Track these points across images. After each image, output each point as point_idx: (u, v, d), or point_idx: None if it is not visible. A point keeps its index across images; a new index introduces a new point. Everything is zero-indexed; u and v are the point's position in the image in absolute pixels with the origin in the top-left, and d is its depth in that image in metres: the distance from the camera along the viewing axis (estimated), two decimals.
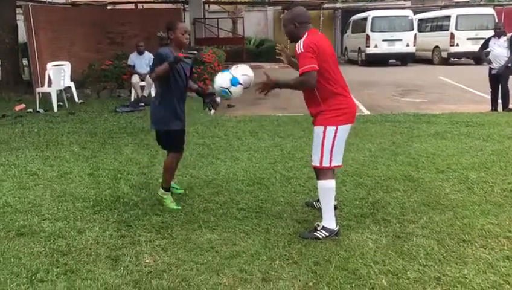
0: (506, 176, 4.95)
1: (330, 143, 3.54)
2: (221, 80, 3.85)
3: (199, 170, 5.41)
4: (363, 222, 3.88)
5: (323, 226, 3.61)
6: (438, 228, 3.75)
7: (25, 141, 7.12)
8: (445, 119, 8.03)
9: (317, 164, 3.61)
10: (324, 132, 3.54)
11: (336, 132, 3.53)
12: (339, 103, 3.56)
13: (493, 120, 7.82)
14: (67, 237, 3.71)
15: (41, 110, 9.78)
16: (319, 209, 3.87)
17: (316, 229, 3.62)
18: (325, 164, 3.58)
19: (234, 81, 3.81)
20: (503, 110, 8.88)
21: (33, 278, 3.11)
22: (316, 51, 3.42)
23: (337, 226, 3.64)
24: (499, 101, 8.98)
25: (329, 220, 3.62)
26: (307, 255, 3.34)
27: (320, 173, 3.65)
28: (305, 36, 3.52)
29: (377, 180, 4.91)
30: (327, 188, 3.62)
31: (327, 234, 3.58)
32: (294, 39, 3.60)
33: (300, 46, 3.47)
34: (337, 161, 3.61)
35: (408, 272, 3.07)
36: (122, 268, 3.21)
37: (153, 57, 4.19)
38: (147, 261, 3.31)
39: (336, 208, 3.76)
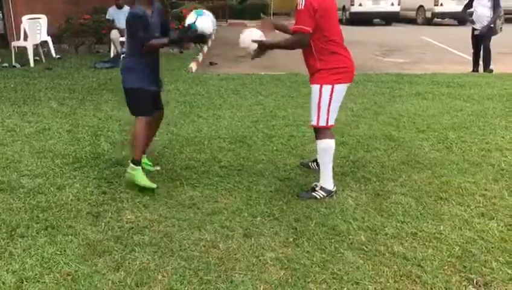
0: (484, 136, 5.03)
1: (327, 102, 3.48)
2: (188, 18, 3.72)
3: (181, 127, 5.37)
4: (344, 180, 3.93)
5: (321, 187, 3.62)
6: (417, 186, 3.82)
7: (1, 96, 6.95)
8: (427, 79, 8.06)
9: (314, 123, 3.58)
10: (320, 91, 3.47)
11: (332, 91, 3.46)
12: (337, 62, 3.48)
13: (474, 81, 7.88)
14: (47, 193, 3.68)
15: (18, 65, 9.51)
16: (315, 170, 3.88)
17: (314, 190, 3.63)
18: (322, 123, 3.54)
19: (199, 13, 3.68)
20: (484, 71, 8.93)
21: (13, 233, 3.09)
22: (317, 11, 3.29)
23: (335, 187, 3.66)
24: (480, 62, 9.03)
25: (327, 181, 3.62)
26: (288, 212, 3.39)
27: (319, 132, 3.61)
28: None
29: (358, 140, 4.95)
30: (326, 147, 3.59)
31: (325, 194, 3.59)
32: None
33: (301, 1, 3.31)
34: (333, 121, 3.58)
35: (386, 229, 3.14)
36: (103, 224, 3.21)
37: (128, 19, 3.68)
38: (128, 217, 3.32)
39: (318, 165, 3.78)
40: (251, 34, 3.63)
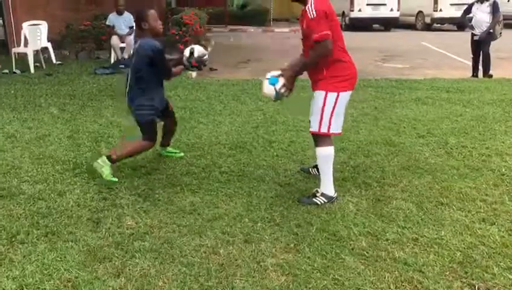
0: (484, 141, 5.03)
1: (330, 109, 3.45)
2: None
3: (181, 133, 5.37)
4: (344, 186, 3.93)
5: (322, 193, 3.61)
6: (417, 191, 3.82)
7: (2, 102, 6.95)
8: (427, 85, 8.07)
9: (316, 130, 3.54)
10: (325, 98, 3.44)
11: (337, 99, 3.44)
12: (343, 69, 3.45)
13: (473, 86, 7.89)
14: (47, 200, 3.68)
15: (18, 71, 9.52)
16: (315, 176, 3.88)
17: (315, 195, 3.62)
18: (323, 130, 3.50)
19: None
20: (483, 76, 8.95)
21: (13, 239, 3.09)
22: (328, 16, 3.27)
23: (335, 193, 3.65)
24: (480, 67, 9.04)
25: (328, 187, 3.61)
26: (289, 217, 3.38)
27: (319, 139, 3.58)
28: None
29: (359, 145, 4.95)
30: (326, 155, 3.57)
31: (326, 200, 3.58)
32: None
33: (312, 10, 3.26)
34: (336, 129, 3.54)
35: (387, 234, 3.14)
36: (104, 230, 3.20)
37: (142, 46, 3.89)
38: (128, 223, 3.31)
39: (318, 171, 3.78)
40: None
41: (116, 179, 3.97)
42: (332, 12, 3.36)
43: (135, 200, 3.66)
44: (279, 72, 3.52)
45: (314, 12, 3.26)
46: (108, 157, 4.02)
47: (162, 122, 4.42)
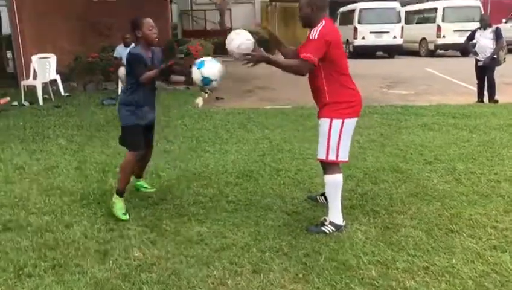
0: (492, 167, 5.00)
1: (337, 136, 3.45)
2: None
3: (188, 162, 5.39)
4: (353, 214, 3.90)
5: (330, 221, 3.58)
6: (426, 218, 3.78)
7: (11, 134, 7.02)
8: (433, 110, 8.08)
9: (323, 157, 3.53)
10: (330, 125, 3.44)
11: (342, 125, 3.44)
12: (348, 96, 3.47)
13: (479, 111, 7.89)
14: (54, 231, 3.67)
15: (27, 103, 9.66)
16: (323, 204, 3.87)
17: (323, 224, 3.59)
18: (331, 157, 3.49)
19: (213, 60, 3.75)
20: (489, 101, 8.96)
21: (20, 272, 3.07)
22: (331, 44, 3.31)
23: (344, 221, 3.62)
24: (485, 92, 9.06)
25: (336, 215, 3.58)
26: (297, 246, 3.35)
27: (327, 167, 3.57)
28: (322, 24, 3.36)
29: (366, 172, 4.93)
30: (335, 182, 3.55)
31: (334, 229, 3.54)
32: (308, 24, 3.45)
33: (316, 32, 3.31)
34: (343, 156, 3.53)
35: (397, 263, 3.09)
36: (111, 262, 3.18)
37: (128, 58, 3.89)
38: (136, 254, 3.29)
39: (326, 199, 3.76)
40: (240, 44, 3.46)
41: (127, 217, 3.85)
42: (337, 42, 3.40)
43: (142, 231, 3.65)
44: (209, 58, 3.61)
45: (316, 35, 3.31)
46: (116, 191, 4.00)
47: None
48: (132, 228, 3.70)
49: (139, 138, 3.98)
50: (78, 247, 3.41)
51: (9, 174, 5.09)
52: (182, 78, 4.03)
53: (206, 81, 3.67)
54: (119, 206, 3.93)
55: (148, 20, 3.87)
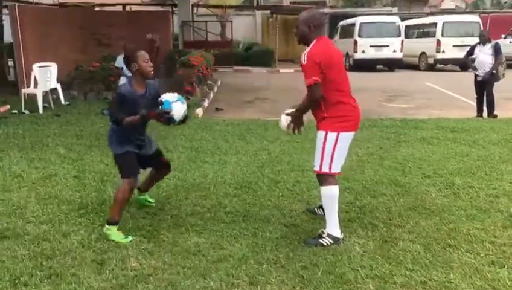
0: (491, 182, 5.00)
1: (331, 149, 3.50)
2: (168, 96, 3.74)
3: (186, 173, 5.38)
4: (351, 227, 3.89)
5: (328, 233, 3.58)
6: (425, 232, 3.77)
7: (10, 142, 7.02)
8: (432, 124, 8.10)
9: (317, 169, 3.59)
10: (325, 137, 3.51)
11: (337, 138, 3.50)
12: (343, 111, 3.53)
13: (478, 126, 7.91)
14: (51, 241, 3.66)
15: (27, 112, 9.66)
16: (321, 217, 3.87)
17: (321, 236, 3.59)
18: (325, 169, 3.54)
19: (180, 99, 3.75)
20: (488, 116, 8.99)
21: (16, 281, 3.05)
22: (320, 64, 3.38)
23: (342, 234, 3.62)
24: (484, 107, 9.09)
25: (333, 227, 3.59)
26: (295, 259, 3.34)
27: (322, 179, 3.61)
28: (312, 44, 3.47)
29: (364, 185, 4.93)
30: (329, 194, 3.58)
31: (332, 241, 3.55)
32: (304, 42, 3.55)
33: (304, 57, 3.44)
34: (337, 169, 3.57)
35: (395, 277, 3.08)
36: (107, 272, 3.17)
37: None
38: (133, 265, 3.28)
39: (323, 210, 3.76)
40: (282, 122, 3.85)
41: (130, 239, 3.66)
42: (328, 62, 3.44)
43: (140, 241, 3.64)
44: (176, 95, 3.69)
45: (305, 60, 3.44)
46: (107, 222, 3.77)
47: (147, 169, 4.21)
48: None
49: (130, 164, 3.83)
50: (75, 256, 3.40)
51: (8, 182, 5.08)
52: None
53: (166, 107, 3.61)
54: (115, 233, 3.71)
55: (143, 53, 3.81)
